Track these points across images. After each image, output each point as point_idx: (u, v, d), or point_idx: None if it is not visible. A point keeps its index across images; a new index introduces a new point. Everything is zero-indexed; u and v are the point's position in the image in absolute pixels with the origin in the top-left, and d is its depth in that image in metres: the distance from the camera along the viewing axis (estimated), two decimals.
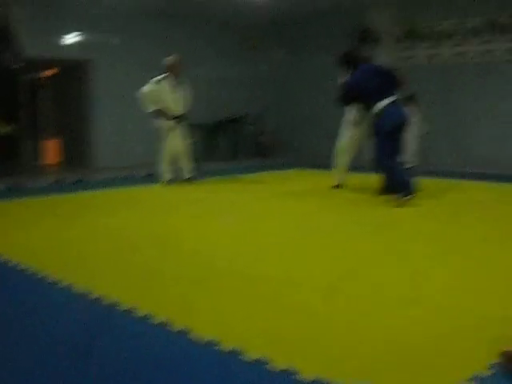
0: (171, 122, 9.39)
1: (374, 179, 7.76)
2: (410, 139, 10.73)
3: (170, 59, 9.46)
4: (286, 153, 14.35)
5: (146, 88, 9.29)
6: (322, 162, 10.34)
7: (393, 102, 7.24)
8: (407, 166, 10.33)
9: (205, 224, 6.27)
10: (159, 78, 9.35)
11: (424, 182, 7.86)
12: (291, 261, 4.67)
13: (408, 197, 7.04)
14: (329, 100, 13.58)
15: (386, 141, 7.23)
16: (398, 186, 7.18)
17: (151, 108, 9.30)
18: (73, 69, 12.58)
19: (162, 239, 5.49)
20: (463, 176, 9.81)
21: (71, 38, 11.82)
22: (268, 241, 5.44)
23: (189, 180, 9.61)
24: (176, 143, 9.49)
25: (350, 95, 7.58)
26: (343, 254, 4.88)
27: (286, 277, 4.20)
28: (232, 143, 14.29)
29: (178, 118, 9.48)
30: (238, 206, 7.42)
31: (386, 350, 2.88)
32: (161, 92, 9.28)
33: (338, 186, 8.56)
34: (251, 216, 6.72)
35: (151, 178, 9.99)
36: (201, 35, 13.61)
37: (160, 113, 9.34)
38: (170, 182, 9.47)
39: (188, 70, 12.96)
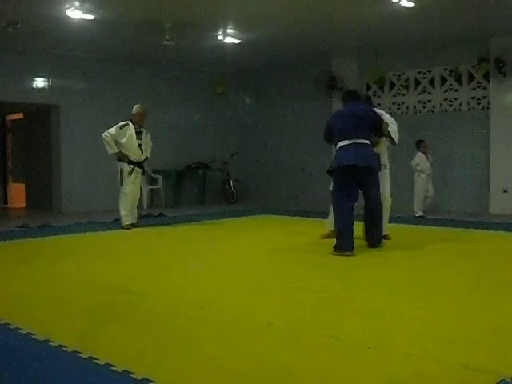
0: (131, 167, 9.44)
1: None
2: (418, 187, 10.96)
3: (136, 107, 9.62)
4: (252, 199, 14.39)
5: (110, 131, 9.40)
6: (289, 208, 10.43)
7: (351, 144, 6.97)
8: (416, 214, 10.44)
9: (164, 271, 6.23)
10: (123, 123, 9.48)
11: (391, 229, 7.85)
12: (251, 307, 4.65)
13: (337, 253, 6.87)
14: (295, 146, 13.78)
15: (335, 183, 7.12)
16: (336, 238, 7.05)
17: (112, 150, 9.41)
18: (39, 113, 12.58)
19: (117, 285, 5.45)
20: (422, 222, 9.90)
21: (38, 83, 11.82)
22: (232, 286, 5.42)
23: (134, 225, 9.63)
24: (133, 188, 9.53)
25: (325, 134, 7.47)
26: (307, 301, 4.87)
27: (245, 323, 4.17)
28: (199, 189, 14.31)
29: (138, 164, 9.53)
30: (202, 253, 7.39)
31: None
32: (123, 137, 9.37)
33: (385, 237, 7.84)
34: (214, 263, 6.68)
35: (117, 223, 9.93)
36: (168, 81, 13.72)
37: (121, 156, 9.41)
38: (131, 226, 9.46)
39: (155, 115, 13.07)
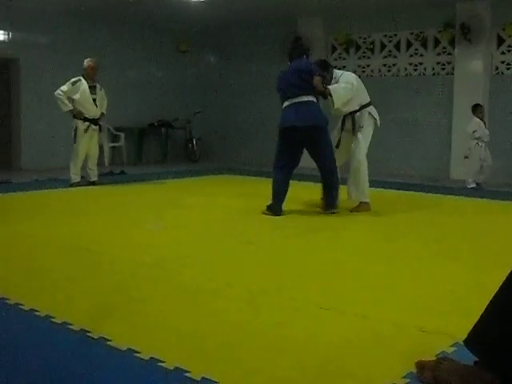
0: (86, 124, 9.35)
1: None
2: (473, 156, 10.00)
3: (86, 61, 9.47)
4: (214, 158, 14.34)
5: (62, 88, 9.24)
6: (251, 168, 10.41)
7: (291, 104, 6.80)
8: (468, 186, 9.87)
9: (124, 230, 6.19)
10: (75, 79, 9.34)
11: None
12: (210, 268, 4.65)
13: (268, 212, 6.91)
14: (258, 106, 13.71)
15: (278, 145, 6.99)
16: (271, 197, 6.99)
17: (67, 108, 9.28)
18: None
19: (78, 245, 5.39)
20: (383, 185, 9.95)
21: None
22: (192, 247, 5.41)
23: (94, 183, 9.56)
24: (88, 146, 9.44)
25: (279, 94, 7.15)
26: (267, 262, 4.89)
27: (206, 284, 4.17)
28: (160, 148, 14.19)
29: (93, 121, 9.43)
30: (161, 212, 7.34)
31: (304, 359, 2.88)
32: (76, 93, 9.24)
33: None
34: (173, 223, 6.65)
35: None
36: (131, 37, 13.48)
37: (75, 113, 9.31)
38: (78, 184, 9.38)
39: (117, 72, 12.88)
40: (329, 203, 7.10)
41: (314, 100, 6.89)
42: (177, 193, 9.14)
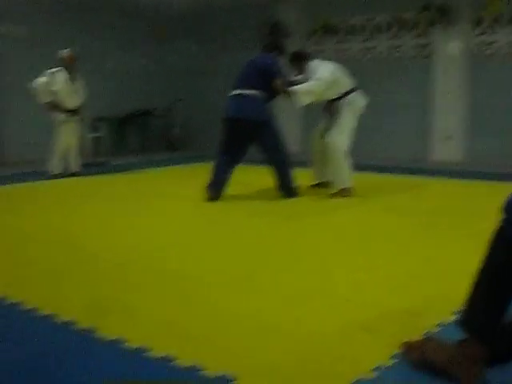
0: (65, 115, 9.29)
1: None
2: None
3: (64, 52, 9.39)
4: (195, 147, 14.29)
5: (40, 80, 9.16)
6: None
7: (234, 95, 6.88)
8: None
9: (109, 222, 6.17)
10: (53, 70, 9.26)
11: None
12: (196, 256, 4.66)
13: (207, 193, 6.89)
14: None
15: (223, 136, 7.01)
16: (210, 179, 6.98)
17: (45, 100, 9.19)
18: None
19: (64, 236, 5.38)
20: (363, 169, 9.97)
21: None
22: (178, 236, 5.41)
23: (75, 174, 9.48)
24: (68, 137, 9.38)
25: None
26: (252, 248, 4.90)
27: (192, 272, 4.18)
28: (141, 137, 14.13)
29: (73, 112, 9.38)
30: (146, 202, 7.33)
31: (291, 344, 2.90)
32: (54, 84, 9.18)
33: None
34: (158, 212, 6.64)
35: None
36: (109, 26, 13.35)
37: (53, 105, 9.23)
38: (59, 175, 9.30)
39: (96, 62, 12.77)
40: (288, 190, 7.14)
41: (258, 95, 6.86)
42: (159, 182, 9.11)
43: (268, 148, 7.02)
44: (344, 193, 7.26)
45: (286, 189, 7.14)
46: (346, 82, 7.39)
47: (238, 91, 6.84)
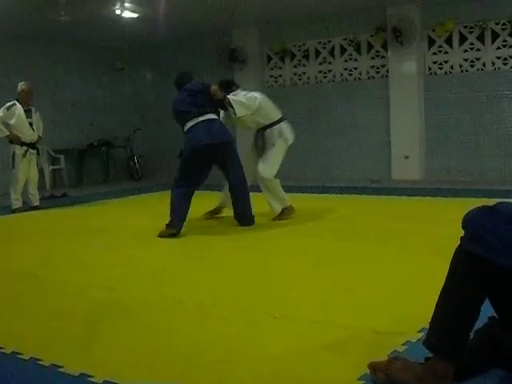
0: (23, 148, 9.19)
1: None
2: None
3: (20, 85, 9.31)
4: (157, 175, 14.22)
5: None
6: None
7: (201, 121, 6.73)
8: None
9: (70, 253, 6.10)
10: (10, 103, 9.18)
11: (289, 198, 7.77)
12: (159, 285, 4.62)
13: (169, 231, 6.53)
14: None
15: (184, 165, 6.82)
16: (169, 215, 6.66)
17: (3, 133, 9.09)
18: None
19: (23, 270, 5.30)
20: (326, 191, 10.04)
21: None
22: (140, 266, 5.35)
23: (35, 208, 9.38)
24: (27, 170, 9.28)
25: (176, 120, 7.19)
26: (216, 275, 4.87)
27: (155, 301, 4.13)
28: (103, 167, 14.03)
29: (30, 145, 9.29)
30: (106, 233, 7.26)
31: (258, 370, 2.87)
32: (12, 118, 9.08)
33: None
34: (119, 243, 6.56)
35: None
36: (66, 58, 13.31)
37: (13, 138, 9.13)
38: (20, 209, 9.19)
39: (53, 93, 12.70)
40: (248, 215, 7.03)
41: (217, 117, 6.90)
42: (120, 213, 9.03)
43: (235, 169, 6.91)
44: (285, 214, 7.30)
45: (246, 216, 7.00)
46: (276, 112, 7.43)
47: (199, 118, 6.74)
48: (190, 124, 6.79)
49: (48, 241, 6.76)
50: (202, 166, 6.84)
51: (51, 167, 12.46)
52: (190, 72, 7.62)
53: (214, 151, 6.71)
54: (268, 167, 7.23)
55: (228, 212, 7.36)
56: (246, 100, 7.09)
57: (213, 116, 6.82)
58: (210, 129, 6.71)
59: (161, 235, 6.52)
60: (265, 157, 7.25)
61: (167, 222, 6.60)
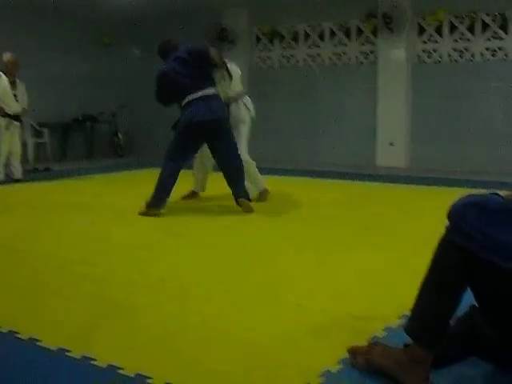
0: (7, 120, 9.12)
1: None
2: None
3: (5, 56, 9.22)
4: (141, 152, 14.17)
5: None
6: None
7: (202, 97, 6.47)
8: None
9: (50, 227, 6.07)
10: None
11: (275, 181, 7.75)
12: (142, 263, 4.61)
13: (151, 210, 6.44)
14: None
15: (179, 139, 6.59)
16: (154, 191, 6.53)
17: None
18: None
19: (2, 243, 5.27)
20: (310, 175, 10.03)
21: None
22: (122, 242, 5.34)
23: (18, 181, 9.32)
24: (10, 143, 9.22)
25: (158, 94, 6.78)
26: (198, 255, 4.87)
27: (137, 278, 4.13)
28: (86, 142, 13.95)
29: (14, 117, 9.23)
30: (89, 209, 7.22)
31: (239, 352, 2.88)
32: None
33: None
34: (101, 218, 6.53)
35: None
36: (54, 31, 13.18)
37: None
38: (2, 182, 9.12)
39: (39, 66, 12.58)
40: (245, 192, 6.77)
41: (215, 91, 6.67)
42: (102, 189, 8.97)
43: (227, 146, 6.68)
44: (262, 196, 7.29)
45: (245, 192, 6.75)
46: (240, 82, 7.34)
47: (200, 93, 6.47)
48: (189, 98, 6.48)
49: (29, 214, 6.72)
50: (197, 142, 6.70)
51: (34, 140, 12.35)
52: (173, 40, 7.16)
53: (212, 127, 6.50)
54: (243, 149, 7.08)
55: (206, 193, 7.33)
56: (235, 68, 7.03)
57: (212, 91, 6.59)
58: (209, 104, 6.49)
59: (142, 213, 6.46)
60: (237, 138, 6.97)
61: (150, 199, 6.51)
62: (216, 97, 6.63)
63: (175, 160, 6.64)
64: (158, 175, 6.64)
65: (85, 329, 3.18)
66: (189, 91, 6.50)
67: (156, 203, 6.50)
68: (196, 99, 6.48)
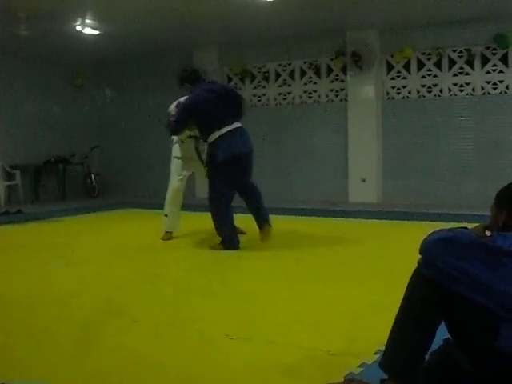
0: None
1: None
2: None
3: None
4: (114, 193, 14.12)
5: None
6: (150, 202, 10.35)
7: (235, 129, 6.55)
8: None
9: (23, 270, 6.00)
10: None
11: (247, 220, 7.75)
12: (116, 304, 4.57)
13: (226, 249, 6.62)
14: (156, 140, 13.63)
15: (221, 178, 6.54)
16: (220, 234, 6.73)
17: None
18: None
19: None
20: (284, 212, 10.05)
21: None
22: (95, 283, 5.29)
23: None
24: None
25: (183, 119, 6.68)
26: (172, 295, 4.84)
27: (112, 320, 4.09)
28: (59, 184, 13.87)
29: None
30: (61, 251, 7.16)
31: None
32: None
33: (170, 234, 7.48)
34: (74, 260, 6.47)
35: None
36: (25, 73, 13.17)
37: None
38: None
39: (11, 109, 12.55)
40: (267, 219, 6.91)
41: (241, 124, 6.73)
42: (75, 230, 8.90)
43: (249, 177, 6.86)
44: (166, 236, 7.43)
45: (266, 217, 6.90)
46: None
47: (233, 126, 6.55)
48: (224, 130, 6.47)
49: (1, 257, 6.64)
50: (237, 175, 6.69)
51: (6, 183, 12.27)
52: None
53: (246, 159, 6.63)
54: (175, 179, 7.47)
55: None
56: None
57: (238, 124, 6.66)
58: (242, 137, 6.60)
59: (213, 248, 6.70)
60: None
61: (220, 241, 6.72)
62: (244, 129, 6.71)
63: (227, 202, 6.73)
64: (213, 221, 6.75)
65: (53, 372, 3.13)
66: (224, 123, 6.52)
67: (231, 242, 6.70)
68: (231, 131, 6.52)
